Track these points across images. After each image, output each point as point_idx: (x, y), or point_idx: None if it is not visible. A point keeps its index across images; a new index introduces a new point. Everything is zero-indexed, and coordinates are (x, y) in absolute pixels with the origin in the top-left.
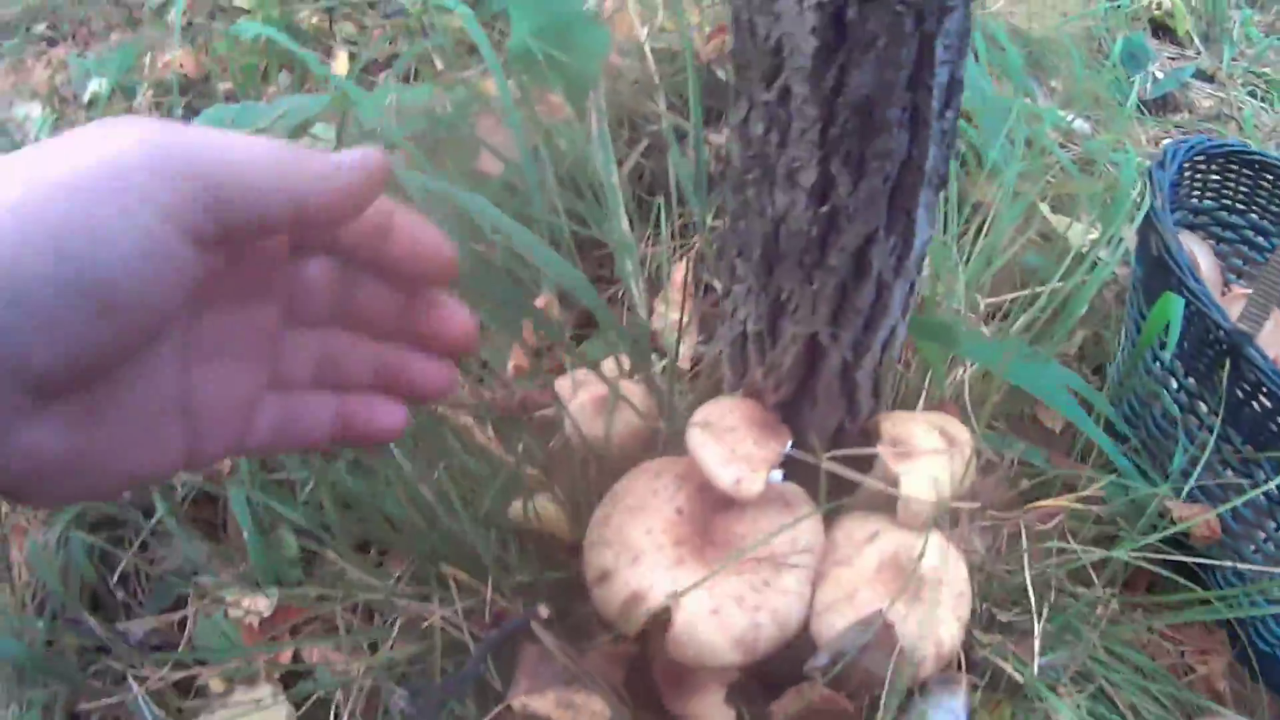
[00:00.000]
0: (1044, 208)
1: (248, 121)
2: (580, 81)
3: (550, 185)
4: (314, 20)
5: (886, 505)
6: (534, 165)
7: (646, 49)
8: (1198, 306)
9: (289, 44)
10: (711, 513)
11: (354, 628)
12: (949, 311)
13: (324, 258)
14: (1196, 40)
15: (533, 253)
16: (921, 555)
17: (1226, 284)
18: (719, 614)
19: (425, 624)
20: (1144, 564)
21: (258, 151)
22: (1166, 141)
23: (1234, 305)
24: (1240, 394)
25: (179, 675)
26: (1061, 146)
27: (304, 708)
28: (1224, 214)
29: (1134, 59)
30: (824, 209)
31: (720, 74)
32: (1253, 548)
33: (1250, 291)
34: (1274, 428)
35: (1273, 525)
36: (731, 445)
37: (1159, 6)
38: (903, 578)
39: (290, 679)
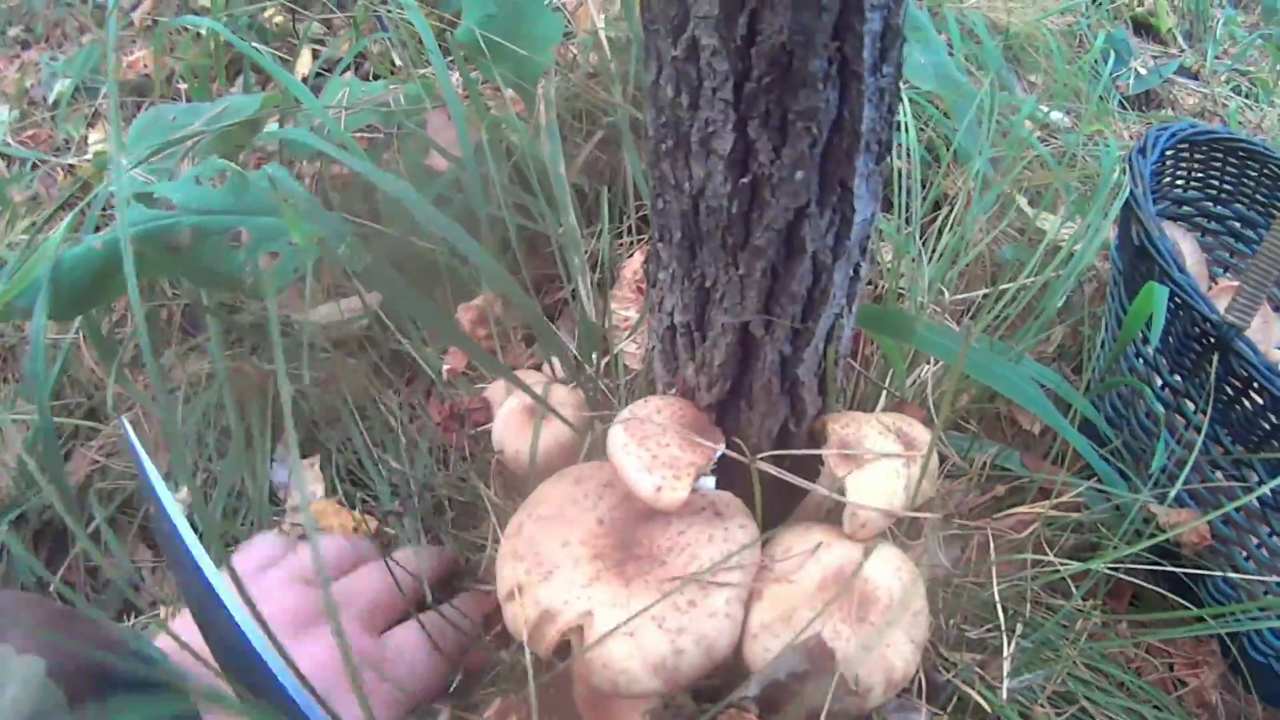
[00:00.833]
0: (1020, 199)
1: (188, 121)
2: (530, 70)
3: (499, 180)
4: (277, 19)
5: (833, 516)
6: (475, 162)
7: (603, 37)
8: (1183, 298)
9: (233, 39)
10: (636, 524)
11: None
12: (912, 306)
13: None
14: (1179, 38)
15: (472, 256)
16: (859, 569)
17: (1213, 278)
18: (635, 637)
19: None
20: (1125, 577)
21: None
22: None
23: (1221, 300)
24: (1230, 391)
25: None
26: (1040, 140)
27: None
28: (1209, 204)
29: (1115, 55)
30: (744, 180)
31: None
32: (1245, 554)
33: (1238, 285)
34: (1266, 426)
35: (1266, 530)
36: (655, 450)
37: (1141, 4)
38: (848, 596)
39: None
